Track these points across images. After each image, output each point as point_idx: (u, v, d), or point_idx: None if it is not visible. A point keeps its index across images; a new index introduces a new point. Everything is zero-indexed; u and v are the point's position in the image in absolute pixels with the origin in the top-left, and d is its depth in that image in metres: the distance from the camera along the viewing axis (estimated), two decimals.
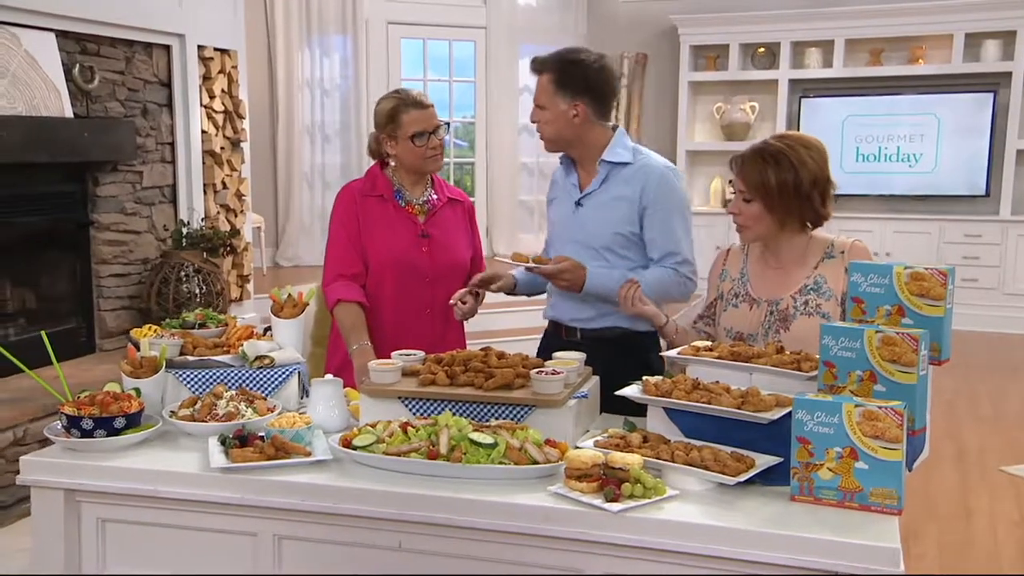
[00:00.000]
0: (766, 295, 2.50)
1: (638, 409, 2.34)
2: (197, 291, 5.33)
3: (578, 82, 2.74)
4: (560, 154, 2.94)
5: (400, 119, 2.83)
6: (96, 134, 4.93)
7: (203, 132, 5.82)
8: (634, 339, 2.83)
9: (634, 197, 2.76)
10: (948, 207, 8.10)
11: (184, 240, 5.43)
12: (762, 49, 8.56)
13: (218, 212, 5.99)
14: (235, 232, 5.77)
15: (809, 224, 2.49)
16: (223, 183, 6.03)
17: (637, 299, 2.57)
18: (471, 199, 3.14)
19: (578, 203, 2.84)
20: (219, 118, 5.98)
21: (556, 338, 2.91)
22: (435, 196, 2.96)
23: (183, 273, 5.31)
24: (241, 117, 6.18)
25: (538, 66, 2.80)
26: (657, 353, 2.90)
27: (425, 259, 2.89)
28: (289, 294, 2.55)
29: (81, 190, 5.13)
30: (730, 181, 2.98)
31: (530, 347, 2.96)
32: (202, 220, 5.70)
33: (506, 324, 5.62)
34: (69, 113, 4.76)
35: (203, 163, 5.83)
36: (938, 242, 7.92)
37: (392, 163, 2.95)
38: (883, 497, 1.79)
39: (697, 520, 1.79)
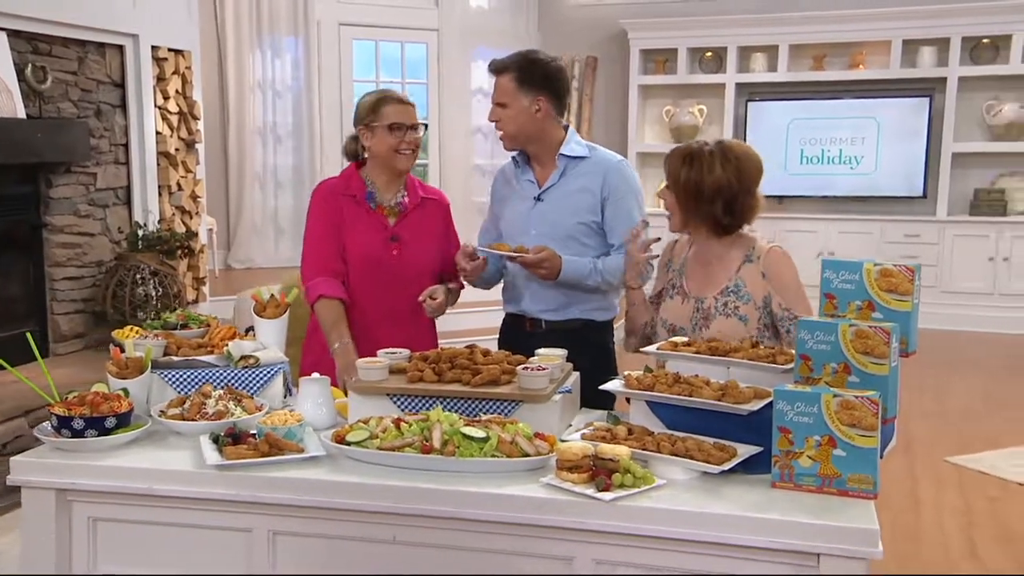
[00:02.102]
0: (695, 291, 2.65)
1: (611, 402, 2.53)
2: (153, 294, 5.28)
3: (538, 79, 2.92)
4: (514, 153, 3.08)
5: (381, 110, 2.89)
6: (49, 135, 4.87)
7: (157, 133, 5.77)
8: (593, 329, 3.02)
9: (595, 189, 2.95)
10: (888, 208, 8.35)
11: (140, 242, 5.38)
12: (709, 53, 8.73)
13: (173, 214, 5.94)
14: (192, 234, 5.73)
15: (721, 230, 2.61)
16: (178, 185, 5.98)
17: (647, 256, 2.73)
18: (447, 199, 3.16)
19: (538, 198, 2.99)
20: (174, 119, 5.94)
21: (518, 330, 3.04)
22: (407, 198, 2.98)
23: (138, 276, 5.25)
24: (196, 118, 6.14)
25: (498, 67, 2.96)
26: (612, 342, 3.11)
27: (394, 262, 2.91)
28: (272, 295, 2.58)
29: (34, 192, 5.06)
30: None
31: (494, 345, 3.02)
32: (158, 222, 5.65)
33: (472, 324, 5.65)
34: (22, 114, 4.70)
35: (158, 164, 5.78)
36: (879, 242, 8.14)
37: (367, 160, 2.98)
38: (859, 482, 1.89)
39: (686, 507, 1.86)
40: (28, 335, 2.36)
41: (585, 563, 1.92)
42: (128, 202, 5.64)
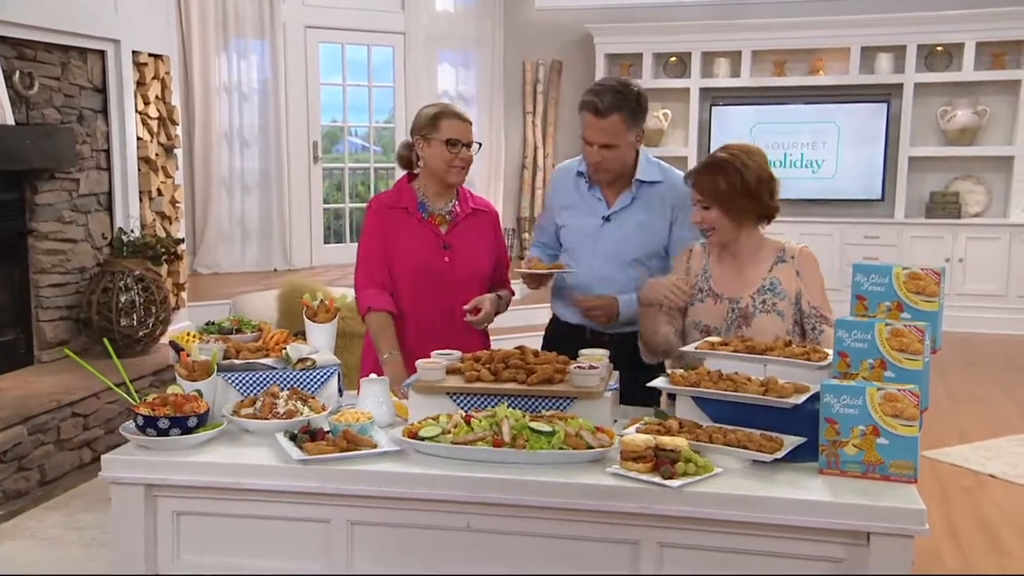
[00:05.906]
0: (727, 292, 2.79)
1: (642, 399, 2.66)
2: (137, 300, 5.26)
3: (639, 114, 2.95)
4: (576, 165, 3.11)
5: (440, 124, 3.00)
6: (38, 141, 4.85)
7: (138, 139, 5.75)
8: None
9: (666, 214, 3.02)
10: (848, 210, 8.59)
11: (125, 248, 5.37)
12: (674, 59, 8.93)
13: (153, 219, 5.93)
14: (179, 240, 5.74)
15: (764, 220, 2.78)
16: (158, 190, 5.98)
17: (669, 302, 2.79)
18: (496, 209, 3.26)
19: (607, 219, 3.05)
20: (154, 124, 5.93)
21: (576, 337, 3.01)
22: (458, 207, 3.10)
23: (122, 282, 5.24)
24: (175, 123, 6.14)
25: (608, 106, 2.86)
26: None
27: (446, 268, 3.03)
28: (321, 300, 2.68)
29: (19, 198, 5.02)
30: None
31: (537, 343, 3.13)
32: (142, 228, 5.65)
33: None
34: (11, 120, 4.67)
35: (139, 170, 5.77)
36: (840, 244, 8.38)
37: (419, 171, 3.10)
38: (901, 468, 2.07)
39: (746, 492, 2.02)
40: (106, 341, 2.39)
41: (650, 546, 2.07)
42: (110, 208, 5.61)
